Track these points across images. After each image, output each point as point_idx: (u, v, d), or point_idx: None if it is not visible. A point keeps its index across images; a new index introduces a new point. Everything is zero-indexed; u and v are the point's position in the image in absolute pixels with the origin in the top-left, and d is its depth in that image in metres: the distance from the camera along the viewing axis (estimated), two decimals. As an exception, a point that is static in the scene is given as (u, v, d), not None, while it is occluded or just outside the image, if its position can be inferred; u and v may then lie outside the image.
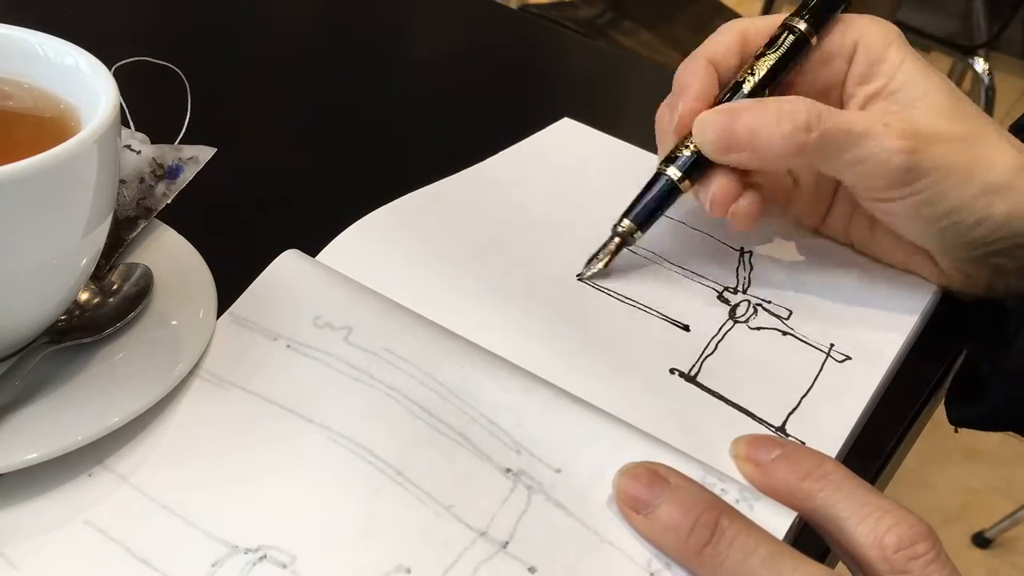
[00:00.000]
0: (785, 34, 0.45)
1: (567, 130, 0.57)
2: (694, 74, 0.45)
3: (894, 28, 0.45)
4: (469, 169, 0.52)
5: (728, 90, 0.46)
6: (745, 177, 0.45)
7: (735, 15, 1.66)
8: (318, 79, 0.63)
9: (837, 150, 0.42)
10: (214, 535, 0.33)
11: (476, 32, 0.73)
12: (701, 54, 0.46)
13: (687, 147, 0.44)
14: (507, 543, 0.33)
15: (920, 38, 1.74)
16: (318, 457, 0.35)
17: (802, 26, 0.45)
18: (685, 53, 0.47)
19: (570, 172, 0.53)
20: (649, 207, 0.45)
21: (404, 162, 0.54)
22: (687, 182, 0.45)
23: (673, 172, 0.45)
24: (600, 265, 0.45)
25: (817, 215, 0.49)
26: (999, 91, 1.90)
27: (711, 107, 0.45)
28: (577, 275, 0.46)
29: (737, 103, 0.44)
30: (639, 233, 0.46)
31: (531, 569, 0.33)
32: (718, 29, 0.47)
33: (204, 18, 0.67)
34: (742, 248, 0.49)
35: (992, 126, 0.43)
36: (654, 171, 0.46)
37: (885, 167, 0.41)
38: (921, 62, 0.44)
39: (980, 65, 1.81)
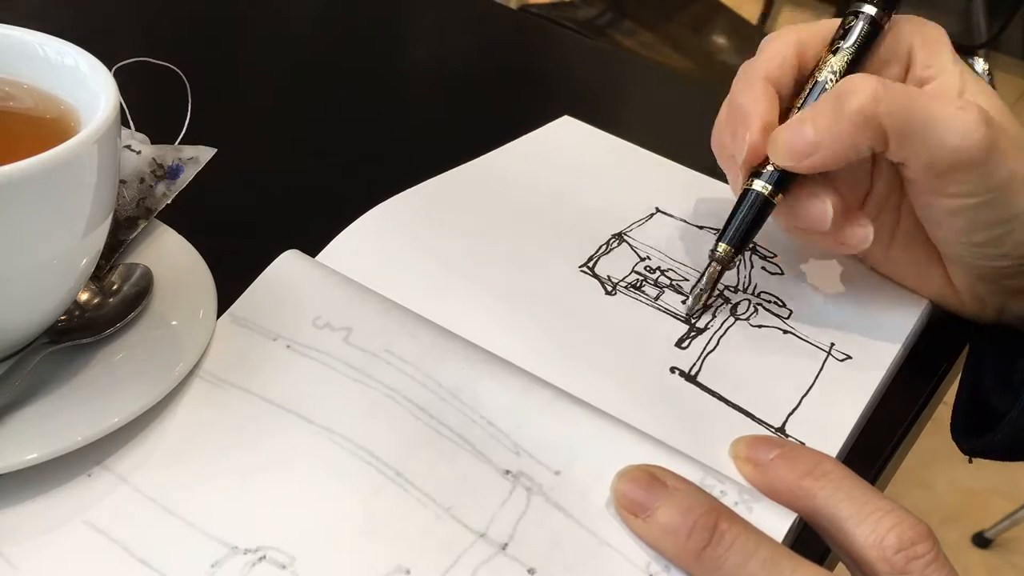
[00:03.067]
0: (858, 23, 0.43)
1: (567, 127, 0.57)
2: (755, 101, 0.43)
3: (943, 31, 0.44)
4: (466, 164, 0.52)
5: (809, 90, 0.43)
6: (832, 192, 0.43)
7: (735, 15, 1.66)
8: (318, 79, 0.63)
9: (912, 124, 0.39)
10: (214, 535, 0.33)
11: (476, 32, 0.73)
12: (758, 74, 0.43)
13: (767, 164, 0.43)
14: (506, 545, 0.33)
15: (920, 38, 1.73)
16: (318, 458, 0.35)
17: (871, 11, 0.43)
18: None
19: (569, 168, 0.53)
20: (743, 227, 0.43)
21: (404, 162, 0.54)
22: (779, 196, 0.43)
23: (760, 186, 0.43)
24: (704, 296, 0.44)
25: None
26: (999, 91, 1.90)
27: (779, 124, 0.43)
28: (685, 312, 0.44)
29: (798, 115, 0.42)
30: (738, 257, 0.44)
31: (530, 570, 0.32)
32: (768, 39, 0.45)
33: (204, 18, 0.67)
34: (742, 248, 0.49)
35: None
36: (742, 188, 0.44)
37: (964, 144, 0.39)
38: (972, 71, 0.43)
39: (980, 65, 1.81)
